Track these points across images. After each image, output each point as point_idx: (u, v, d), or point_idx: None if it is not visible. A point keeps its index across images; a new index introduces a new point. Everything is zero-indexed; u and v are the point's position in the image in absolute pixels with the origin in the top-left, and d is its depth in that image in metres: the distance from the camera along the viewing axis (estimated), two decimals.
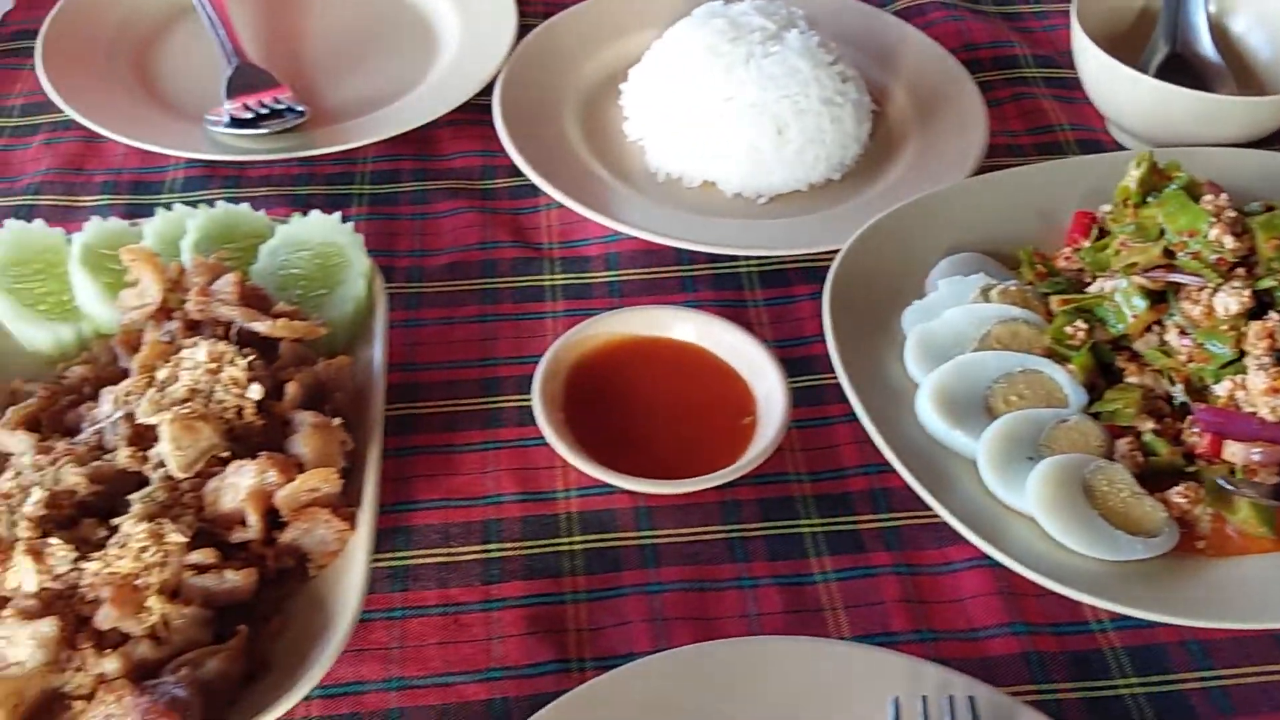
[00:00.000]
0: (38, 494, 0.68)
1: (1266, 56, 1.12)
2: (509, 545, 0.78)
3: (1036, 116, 1.14)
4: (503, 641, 0.73)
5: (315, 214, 0.90)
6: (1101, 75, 1.08)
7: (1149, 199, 0.90)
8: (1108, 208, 0.94)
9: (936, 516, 0.79)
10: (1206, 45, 1.12)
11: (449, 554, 0.77)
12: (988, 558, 0.75)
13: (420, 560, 0.77)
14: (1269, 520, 0.76)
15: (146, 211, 0.98)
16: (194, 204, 0.91)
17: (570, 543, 0.78)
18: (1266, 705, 0.70)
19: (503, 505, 0.80)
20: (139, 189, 1.03)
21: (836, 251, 0.92)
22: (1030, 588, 0.75)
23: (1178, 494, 0.77)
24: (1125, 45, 1.12)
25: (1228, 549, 0.75)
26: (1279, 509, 0.76)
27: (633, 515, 0.80)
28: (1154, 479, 0.78)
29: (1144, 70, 1.08)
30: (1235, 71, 1.12)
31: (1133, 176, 0.91)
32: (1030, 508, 0.74)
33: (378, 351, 0.83)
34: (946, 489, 0.76)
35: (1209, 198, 0.87)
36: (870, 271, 0.91)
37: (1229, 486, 0.76)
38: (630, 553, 0.78)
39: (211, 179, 1.04)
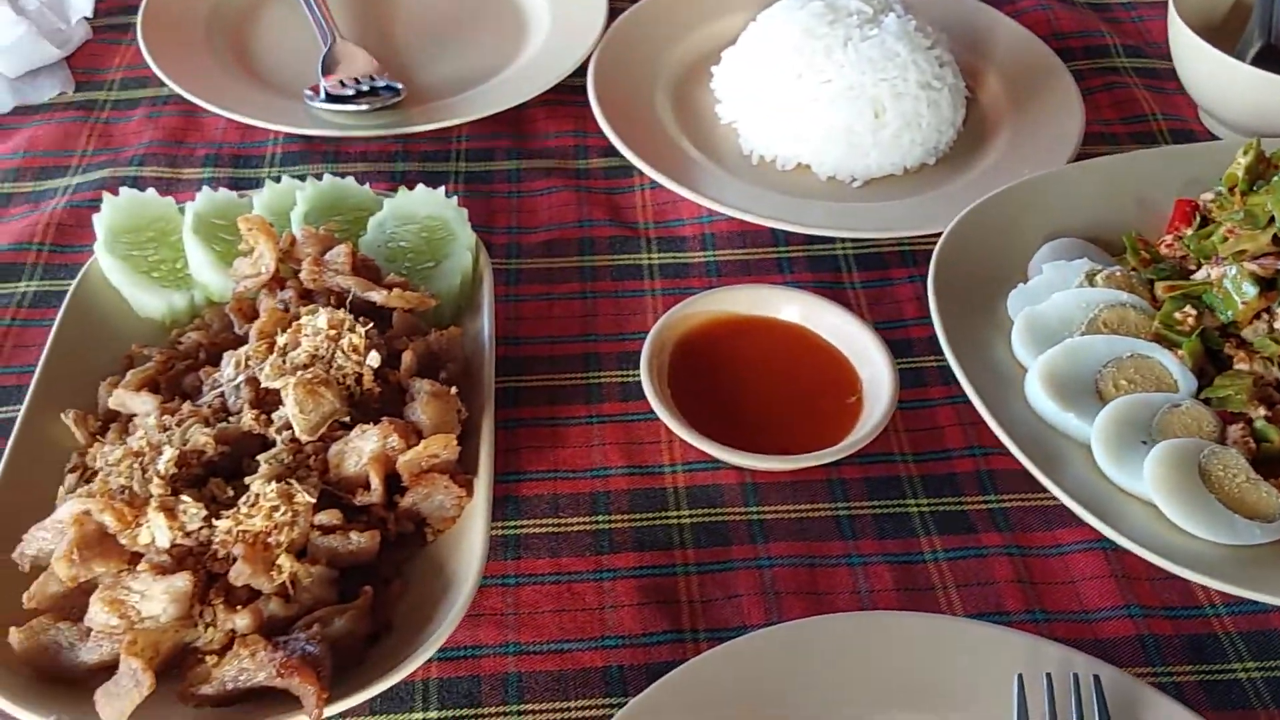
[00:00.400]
0: (169, 453, 0.69)
1: None
2: (618, 517, 0.78)
3: (1129, 106, 1.13)
4: (616, 611, 0.73)
5: (421, 188, 0.91)
6: (1199, 65, 1.07)
7: (1255, 187, 0.89)
8: (1209, 196, 0.93)
9: (1044, 498, 0.79)
10: None
11: (559, 524, 0.78)
12: (1099, 540, 0.75)
13: (531, 530, 0.77)
14: None
15: (247, 184, 1.00)
16: (276, 179, 0.92)
17: (679, 516, 0.79)
18: None
19: (610, 478, 0.81)
20: (239, 163, 1.04)
21: (934, 235, 0.92)
22: (1144, 571, 0.74)
23: None
24: (1220, 37, 1.11)
25: None
26: None
27: (739, 491, 0.80)
28: (1266, 465, 0.77)
29: (1242, 58, 1.08)
30: None
31: (1240, 164, 0.90)
32: (1147, 491, 0.74)
33: (486, 323, 0.84)
34: (1059, 471, 0.76)
35: None
36: (972, 255, 0.90)
37: None
38: (738, 527, 0.78)
39: (310, 154, 1.05)
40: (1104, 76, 1.17)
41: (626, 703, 0.65)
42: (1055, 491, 0.75)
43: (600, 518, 0.78)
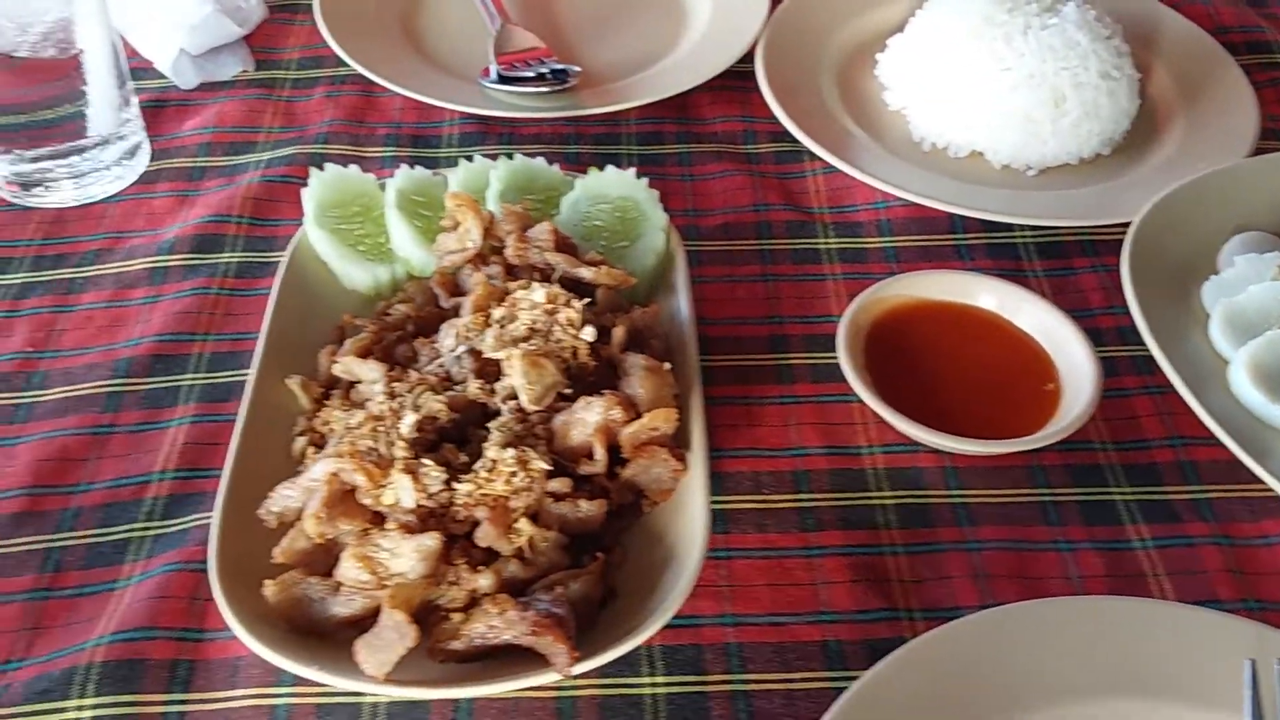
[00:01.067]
0: (412, 417, 0.71)
1: None
2: (820, 496, 0.80)
3: None
4: (828, 587, 0.74)
5: (611, 169, 0.93)
6: None
7: None
8: None
9: (1250, 489, 0.79)
10: None
11: (763, 500, 0.79)
12: None
13: (737, 505, 0.79)
14: None
15: (427, 163, 1.02)
16: (469, 158, 0.95)
17: (881, 497, 0.80)
18: None
19: (809, 457, 0.82)
20: (418, 142, 1.07)
21: (1116, 225, 0.93)
22: None
23: None
24: None
25: None
26: None
27: (940, 474, 0.81)
28: None
29: None
30: None
31: None
32: None
33: (684, 302, 0.86)
34: (1270, 461, 0.76)
35: None
36: (1163, 246, 0.90)
37: None
38: (942, 510, 0.79)
39: (486, 135, 1.07)
40: (1268, 72, 1.16)
41: (847, 676, 0.66)
42: (1269, 480, 0.75)
43: (803, 495, 0.79)
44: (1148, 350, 0.82)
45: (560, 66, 1.10)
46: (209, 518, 0.72)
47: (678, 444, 0.76)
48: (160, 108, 1.10)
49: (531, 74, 1.09)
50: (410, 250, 0.89)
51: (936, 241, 0.98)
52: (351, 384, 0.80)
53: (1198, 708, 0.66)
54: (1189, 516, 0.78)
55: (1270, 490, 0.77)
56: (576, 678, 0.68)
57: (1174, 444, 0.83)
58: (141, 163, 1.04)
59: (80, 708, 0.67)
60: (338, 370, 0.80)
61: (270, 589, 0.68)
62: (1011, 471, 0.81)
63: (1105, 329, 0.90)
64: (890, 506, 0.79)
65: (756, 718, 0.68)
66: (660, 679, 0.70)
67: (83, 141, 0.99)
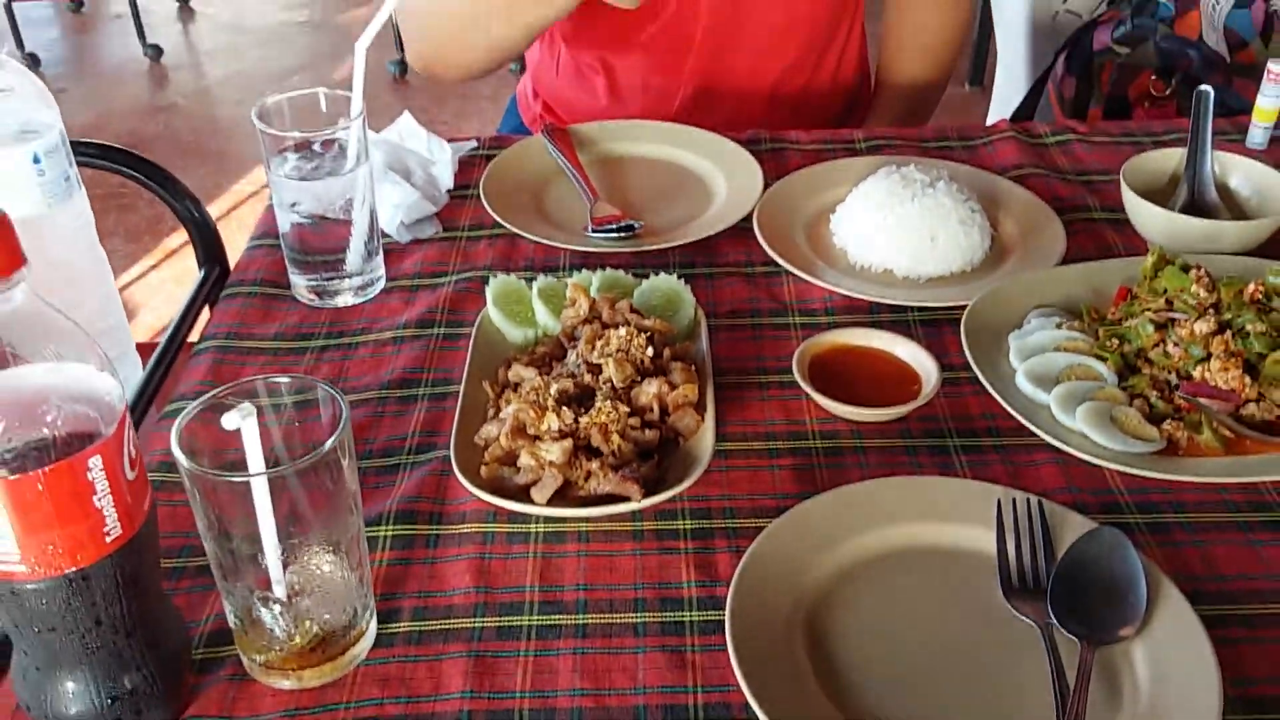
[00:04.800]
0: (555, 388, 1.34)
1: (1247, 198, 1.73)
2: (779, 443, 1.40)
3: (1101, 238, 1.76)
4: (781, 483, 1.34)
5: (663, 275, 1.58)
6: (1144, 214, 1.69)
7: (1157, 274, 1.50)
8: (1135, 283, 1.55)
9: (1028, 439, 1.38)
10: (1212, 193, 1.74)
11: (745, 444, 1.40)
12: (1059, 456, 1.34)
13: (730, 445, 1.39)
14: (1221, 440, 1.32)
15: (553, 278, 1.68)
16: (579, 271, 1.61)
17: (813, 445, 1.40)
18: None
19: (775, 426, 1.42)
20: (545, 268, 1.75)
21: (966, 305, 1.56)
22: (1082, 472, 1.32)
23: (1169, 425, 1.34)
24: (1159, 195, 1.74)
25: (1197, 452, 1.32)
26: (1227, 430, 1.32)
27: (850, 433, 1.41)
28: (1154, 422, 1.35)
29: (1172, 209, 1.70)
30: (1230, 209, 1.73)
31: (1149, 261, 1.52)
32: (1080, 426, 1.33)
33: (705, 344, 1.49)
34: (1037, 421, 1.35)
35: (1195, 271, 1.47)
36: (988, 315, 1.52)
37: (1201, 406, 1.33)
38: (849, 452, 1.39)
39: (588, 263, 1.75)
40: (1083, 224, 1.80)
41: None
42: (1037, 431, 1.34)
43: (770, 443, 1.40)
44: (974, 369, 1.44)
45: (630, 223, 1.78)
46: (444, 453, 1.34)
47: (697, 408, 1.38)
48: (389, 253, 1.79)
49: (614, 228, 1.77)
50: (545, 319, 1.54)
51: (858, 319, 1.61)
52: (516, 385, 1.44)
53: (967, 525, 1.23)
54: (991, 455, 1.37)
55: (1037, 438, 1.35)
56: (642, 511, 1.27)
57: (986, 416, 1.42)
58: (382, 283, 1.71)
59: (384, 532, 1.28)
60: (511, 375, 1.43)
61: (484, 470, 1.30)
62: (889, 429, 1.41)
63: (958, 364, 1.52)
64: (820, 449, 1.39)
65: (739, 538, 1.26)
66: (689, 522, 1.29)
67: (350, 269, 1.67)
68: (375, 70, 6.18)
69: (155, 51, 6.38)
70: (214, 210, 4.86)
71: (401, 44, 6.10)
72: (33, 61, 6.25)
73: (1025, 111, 2.92)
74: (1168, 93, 2.71)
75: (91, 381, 0.90)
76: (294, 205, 1.58)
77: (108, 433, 0.88)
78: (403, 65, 6.18)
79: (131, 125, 5.71)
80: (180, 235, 4.54)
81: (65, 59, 6.51)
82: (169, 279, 4.47)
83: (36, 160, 1.38)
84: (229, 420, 0.89)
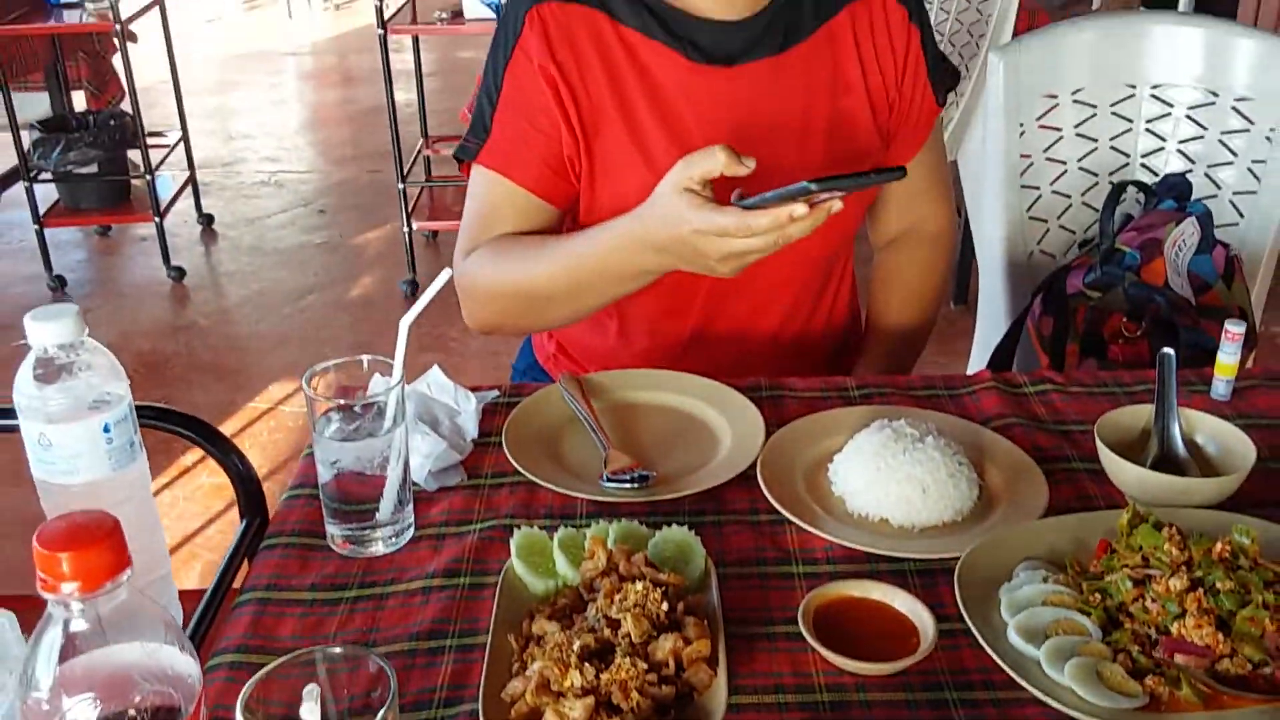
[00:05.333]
0: (578, 644, 1.44)
1: (1213, 454, 1.88)
2: (789, 697, 1.48)
3: (1081, 488, 1.89)
4: None
5: (675, 527, 1.70)
6: (1118, 469, 1.84)
7: (1133, 530, 1.62)
8: (1115, 538, 1.67)
9: (1018, 693, 1.46)
10: (1181, 449, 1.88)
11: (757, 697, 1.48)
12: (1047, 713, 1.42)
13: (743, 699, 1.48)
14: (1200, 696, 1.41)
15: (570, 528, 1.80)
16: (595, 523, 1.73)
17: (820, 697, 1.48)
18: None
19: (783, 679, 1.51)
20: (564, 517, 1.87)
21: (958, 556, 1.67)
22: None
23: (1151, 681, 1.43)
24: (1133, 449, 1.89)
25: (1178, 708, 1.40)
26: (1204, 686, 1.41)
27: (853, 686, 1.50)
28: (1137, 676, 1.44)
29: (1144, 464, 1.84)
30: (1199, 463, 1.87)
31: (1124, 518, 1.64)
32: (1069, 681, 1.42)
33: (715, 596, 1.59)
34: (1026, 676, 1.45)
35: (1167, 529, 1.59)
36: (980, 568, 1.64)
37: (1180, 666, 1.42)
38: (854, 706, 1.47)
39: (603, 511, 1.87)
40: (1064, 474, 1.94)
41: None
42: (1027, 686, 1.43)
43: (780, 696, 1.48)
44: (968, 622, 1.54)
45: (644, 473, 1.91)
46: (473, 706, 1.42)
47: (710, 663, 1.47)
48: (417, 501, 1.91)
49: (628, 478, 1.90)
50: (565, 570, 1.64)
51: (857, 568, 1.72)
52: (540, 637, 1.53)
53: None
54: (988, 709, 1.43)
55: (1027, 692, 1.44)
56: None
57: (981, 670, 1.50)
58: (411, 531, 1.83)
59: None
60: (535, 628, 1.53)
61: None
62: (891, 682, 1.49)
63: (951, 615, 1.61)
64: (826, 702, 1.46)
65: None
66: None
67: (382, 519, 1.79)
68: (387, 288, 6.50)
69: (178, 273, 6.70)
70: (227, 428, 5.02)
71: (415, 265, 6.46)
72: (59, 282, 6.56)
73: (1007, 345, 3.12)
74: (1139, 333, 2.91)
75: (175, 664, 1.00)
76: (335, 462, 1.71)
77: (187, 711, 0.97)
78: (413, 285, 6.49)
79: (152, 343, 5.94)
80: (190, 456, 4.69)
81: (91, 279, 6.83)
82: (181, 496, 4.57)
83: (106, 429, 1.52)
84: (307, 712, 1.00)
